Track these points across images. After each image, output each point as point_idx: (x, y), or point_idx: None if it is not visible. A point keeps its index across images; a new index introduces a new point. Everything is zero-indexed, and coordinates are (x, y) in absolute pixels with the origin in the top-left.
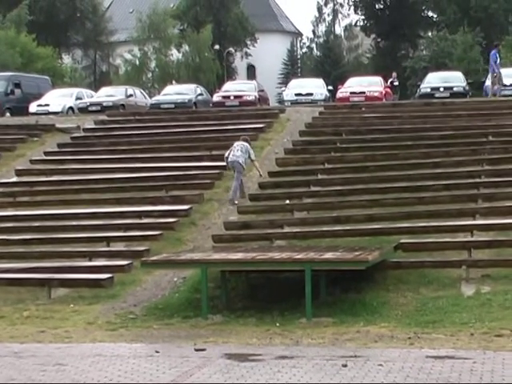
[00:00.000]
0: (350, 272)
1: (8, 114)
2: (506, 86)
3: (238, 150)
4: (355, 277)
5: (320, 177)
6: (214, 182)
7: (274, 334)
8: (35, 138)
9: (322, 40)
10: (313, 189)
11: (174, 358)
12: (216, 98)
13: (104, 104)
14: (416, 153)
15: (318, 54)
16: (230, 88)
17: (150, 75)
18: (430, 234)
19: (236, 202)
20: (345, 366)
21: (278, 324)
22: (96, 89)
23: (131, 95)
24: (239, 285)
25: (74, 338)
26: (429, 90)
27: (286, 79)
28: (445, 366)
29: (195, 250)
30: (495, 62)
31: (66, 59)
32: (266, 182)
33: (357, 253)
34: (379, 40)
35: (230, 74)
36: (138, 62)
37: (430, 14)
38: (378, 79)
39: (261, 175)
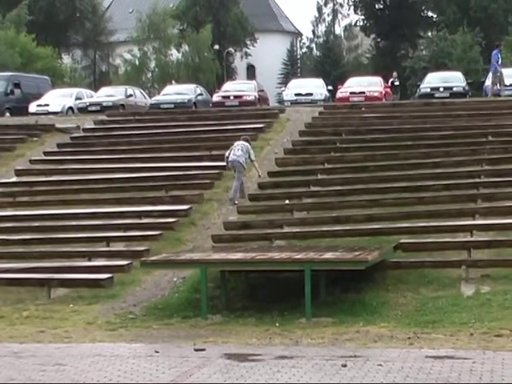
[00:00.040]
0: (350, 272)
1: (8, 114)
2: (506, 85)
3: (238, 150)
4: (355, 277)
5: (320, 177)
6: (214, 182)
7: (273, 333)
8: (35, 138)
9: (321, 40)
10: (312, 189)
11: (173, 357)
12: (216, 98)
13: (104, 104)
14: (416, 153)
15: (318, 54)
16: (230, 88)
17: (149, 75)
18: (430, 234)
19: (236, 201)
20: (344, 365)
21: (277, 324)
22: (96, 89)
23: (131, 95)
24: (239, 285)
25: (74, 338)
26: (428, 90)
27: (285, 79)
28: (444, 366)
29: (195, 250)
30: (497, 62)
31: (66, 59)
32: (266, 182)
33: (356, 253)
34: (379, 40)
35: (229, 74)
36: (137, 62)
37: (430, 14)
38: (378, 79)
39: (260, 175)
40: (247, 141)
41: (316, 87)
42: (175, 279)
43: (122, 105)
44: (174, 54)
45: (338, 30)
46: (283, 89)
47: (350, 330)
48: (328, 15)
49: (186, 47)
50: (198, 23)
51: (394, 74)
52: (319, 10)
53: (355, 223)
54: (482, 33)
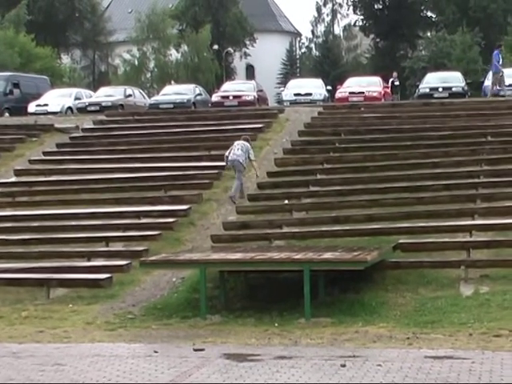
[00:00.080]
0: (349, 272)
1: (7, 114)
2: (506, 86)
3: (238, 149)
4: (354, 277)
5: (319, 177)
6: (213, 182)
7: (272, 334)
8: (34, 138)
9: (320, 40)
10: (312, 189)
11: (172, 358)
12: (215, 98)
13: (103, 104)
14: (415, 153)
15: (317, 54)
16: (229, 88)
17: (148, 75)
18: (429, 234)
19: (236, 201)
20: (343, 366)
21: (276, 324)
22: (95, 89)
23: (130, 95)
24: (238, 285)
25: (73, 338)
26: (428, 90)
27: (284, 79)
28: (443, 366)
29: (194, 250)
30: (498, 62)
31: (65, 59)
32: (265, 182)
33: (356, 253)
34: (378, 40)
35: (228, 74)
36: (136, 62)
37: (429, 14)
38: (377, 79)
39: (257, 176)
40: (247, 140)
41: (315, 87)
42: (174, 279)
43: (121, 105)
44: (173, 54)
45: (337, 30)
46: (282, 89)
47: (349, 330)
48: (327, 15)
49: (185, 47)
50: (197, 23)
51: (394, 74)
52: (318, 10)
53: (354, 223)
54: (482, 33)
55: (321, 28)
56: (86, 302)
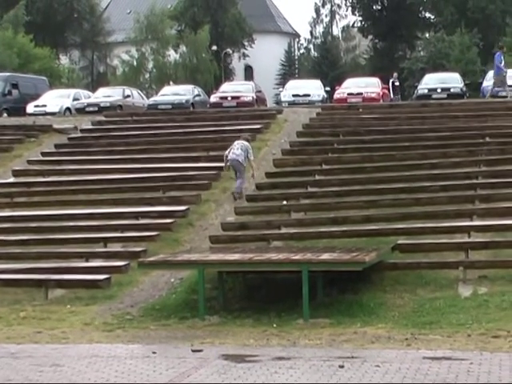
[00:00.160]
0: (347, 273)
1: (5, 115)
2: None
3: (237, 149)
4: (352, 278)
5: (317, 178)
6: (212, 182)
7: (271, 334)
8: (32, 139)
9: (319, 41)
10: (310, 190)
11: (170, 358)
12: (213, 98)
13: (101, 105)
14: (413, 154)
15: (316, 54)
16: (228, 89)
17: (147, 76)
18: (427, 235)
19: (238, 197)
20: (342, 367)
21: (275, 325)
22: (93, 89)
23: (129, 96)
24: (236, 286)
25: (71, 339)
26: (426, 91)
27: (283, 80)
28: (442, 367)
29: (192, 251)
30: (500, 63)
31: (64, 60)
32: (263, 183)
33: (354, 254)
34: (377, 41)
35: (227, 74)
36: (135, 63)
37: (428, 15)
38: (376, 80)
39: (253, 176)
40: (247, 140)
41: (314, 88)
42: (172, 280)
43: (120, 105)
44: (172, 55)
45: (336, 31)
46: (281, 90)
47: (348, 330)
48: (326, 16)
49: (183, 48)
50: (196, 24)
51: (395, 74)
52: (317, 11)
53: (352, 224)
54: (480, 34)
55: (319, 29)
56: (84, 302)
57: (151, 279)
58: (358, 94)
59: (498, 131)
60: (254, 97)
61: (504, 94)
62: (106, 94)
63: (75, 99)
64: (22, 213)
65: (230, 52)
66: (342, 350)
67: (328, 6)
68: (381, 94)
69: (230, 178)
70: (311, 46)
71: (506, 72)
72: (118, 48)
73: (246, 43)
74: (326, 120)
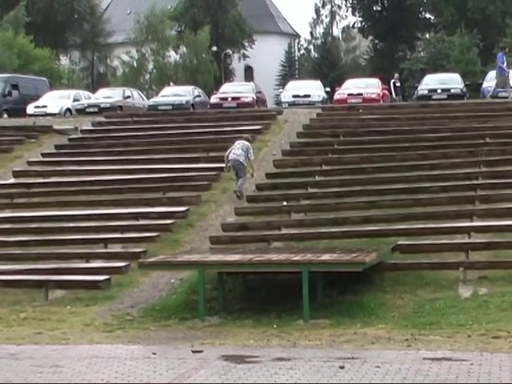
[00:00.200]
0: (347, 274)
1: (5, 116)
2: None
3: (238, 149)
4: (352, 278)
5: (317, 178)
6: (212, 183)
7: (271, 335)
8: (32, 140)
9: (319, 42)
10: (310, 190)
11: (171, 359)
12: (213, 99)
13: (101, 105)
14: (413, 154)
15: (316, 55)
16: (228, 90)
17: (147, 77)
18: (427, 236)
19: (240, 195)
20: (342, 367)
21: (275, 326)
22: (93, 90)
23: (129, 97)
24: (236, 286)
25: (71, 340)
26: (426, 91)
27: (283, 81)
28: (442, 367)
29: (192, 252)
30: (503, 64)
31: (64, 61)
32: (264, 184)
33: (354, 254)
34: (377, 42)
35: (227, 75)
36: (135, 64)
37: (428, 15)
38: (376, 81)
39: (252, 175)
40: (248, 140)
41: (314, 89)
42: (173, 281)
43: (120, 106)
44: (172, 56)
45: (336, 31)
46: (281, 90)
47: (348, 331)
48: (326, 17)
49: (183, 49)
50: (196, 25)
51: (396, 75)
52: (317, 11)
53: (353, 225)
54: (480, 34)
55: (319, 29)
56: (85, 303)
57: (151, 280)
58: (358, 94)
59: (498, 132)
60: (254, 97)
61: (505, 94)
62: (107, 95)
63: (75, 100)
64: (22, 214)
65: (230, 53)
66: (343, 350)
67: (328, 7)
68: (381, 94)
69: (230, 178)
70: (311, 47)
71: (508, 73)
72: (118, 49)
73: (246, 44)
74: (326, 121)
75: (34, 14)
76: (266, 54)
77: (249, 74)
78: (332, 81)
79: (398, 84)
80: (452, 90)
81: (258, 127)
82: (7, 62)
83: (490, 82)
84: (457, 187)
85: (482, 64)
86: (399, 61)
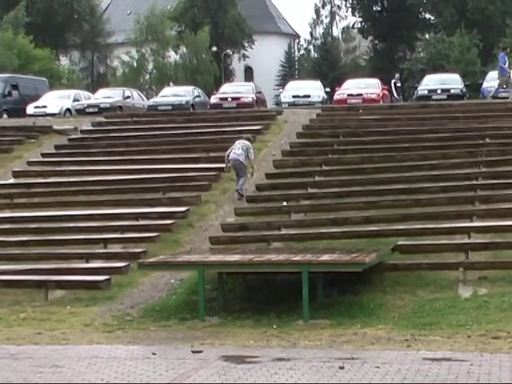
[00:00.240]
0: (347, 274)
1: (5, 116)
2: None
3: (238, 149)
4: (352, 279)
5: (317, 179)
6: (212, 183)
7: (271, 335)
8: (32, 140)
9: (319, 42)
10: (310, 191)
11: (170, 360)
12: (213, 99)
13: (101, 106)
14: (413, 155)
15: (316, 55)
16: (228, 90)
17: (147, 77)
18: (427, 236)
19: (243, 194)
20: (342, 368)
21: (275, 326)
22: (93, 90)
23: (129, 97)
24: (236, 287)
25: (71, 340)
26: (426, 92)
27: (283, 81)
28: (442, 368)
29: (192, 252)
30: (504, 64)
31: (64, 61)
32: (263, 184)
33: (354, 255)
34: (376, 42)
35: (227, 75)
36: (135, 64)
37: (428, 16)
38: (376, 81)
39: (252, 174)
40: (248, 139)
41: (314, 89)
42: (172, 281)
43: (120, 106)
44: (172, 56)
45: (336, 31)
46: (281, 91)
47: (348, 331)
48: (326, 17)
49: (183, 49)
50: (196, 25)
51: (397, 75)
52: (317, 11)
53: (352, 225)
54: (480, 35)
55: (319, 30)
56: (84, 303)
57: (151, 280)
58: (357, 94)
59: (498, 132)
60: (254, 98)
61: (505, 94)
62: (106, 95)
63: (75, 100)
64: (22, 214)
65: (230, 53)
66: (342, 351)
67: (328, 7)
68: (381, 94)
69: (230, 179)
70: (311, 47)
71: (509, 73)
72: (118, 49)
73: (245, 44)
74: (325, 121)
75: (34, 14)
76: (266, 54)
77: (249, 74)
78: (332, 81)
79: (399, 84)
80: (452, 91)
81: (258, 127)
82: (7, 62)
83: (490, 82)
84: (457, 187)
85: (482, 64)
86: (399, 61)
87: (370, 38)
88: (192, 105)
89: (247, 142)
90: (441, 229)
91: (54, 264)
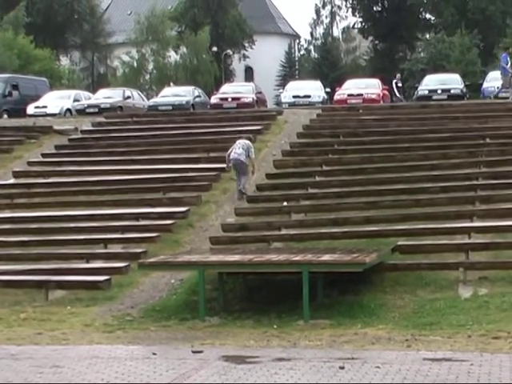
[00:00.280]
0: (348, 274)
1: (6, 116)
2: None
3: (239, 148)
4: (353, 279)
5: (317, 179)
6: (212, 183)
7: (271, 335)
8: (33, 140)
9: (319, 42)
10: (310, 191)
11: (171, 360)
12: (214, 99)
13: (102, 106)
14: (413, 155)
15: (316, 56)
16: (228, 90)
17: (147, 77)
18: (428, 236)
19: (246, 193)
20: (342, 368)
21: (275, 326)
22: (94, 91)
23: (129, 97)
24: (236, 287)
25: (71, 340)
26: (426, 92)
27: (283, 81)
28: (442, 368)
29: (192, 252)
30: (506, 65)
31: (64, 61)
32: (264, 184)
33: (354, 255)
34: (377, 42)
35: (227, 75)
36: (135, 64)
37: (428, 16)
38: (376, 81)
39: (253, 173)
40: (249, 139)
41: (314, 89)
42: (173, 281)
43: (120, 107)
44: (172, 56)
45: (336, 32)
46: (281, 91)
47: (348, 332)
48: (326, 17)
49: (184, 49)
50: (196, 25)
51: (398, 75)
52: (317, 12)
53: (353, 225)
54: (480, 35)
55: (320, 30)
56: (85, 303)
57: (151, 280)
58: (358, 95)
59: (499, 132)
60: (255, 98)
61: (505, 95)
62: (107, 96)
63: (75, 100)
64: (22, 214)
65: (231, 53)
66: (343, 351)
67: (328, 7)
68: (381, 95)
69: (230, 179)
70: (311, 47)
71: (511, 73)
72: (118, 49)
73: (246, 44)
74: (326, 121)
75: (34, 14)
76: (266, 54)
77: (249, 74)
78: (332, 81)
79: (400, 84)
80: (452, 91)
81: (258, 127)
82: (7, 62)
83: (490, 82)
84: (457, 188)
85: (482, 64)
86: (399, 61)
87: (371, 38)
88: (192, 105)
89: (248, 142)
90: (441, 229)
91: (54, 264)
